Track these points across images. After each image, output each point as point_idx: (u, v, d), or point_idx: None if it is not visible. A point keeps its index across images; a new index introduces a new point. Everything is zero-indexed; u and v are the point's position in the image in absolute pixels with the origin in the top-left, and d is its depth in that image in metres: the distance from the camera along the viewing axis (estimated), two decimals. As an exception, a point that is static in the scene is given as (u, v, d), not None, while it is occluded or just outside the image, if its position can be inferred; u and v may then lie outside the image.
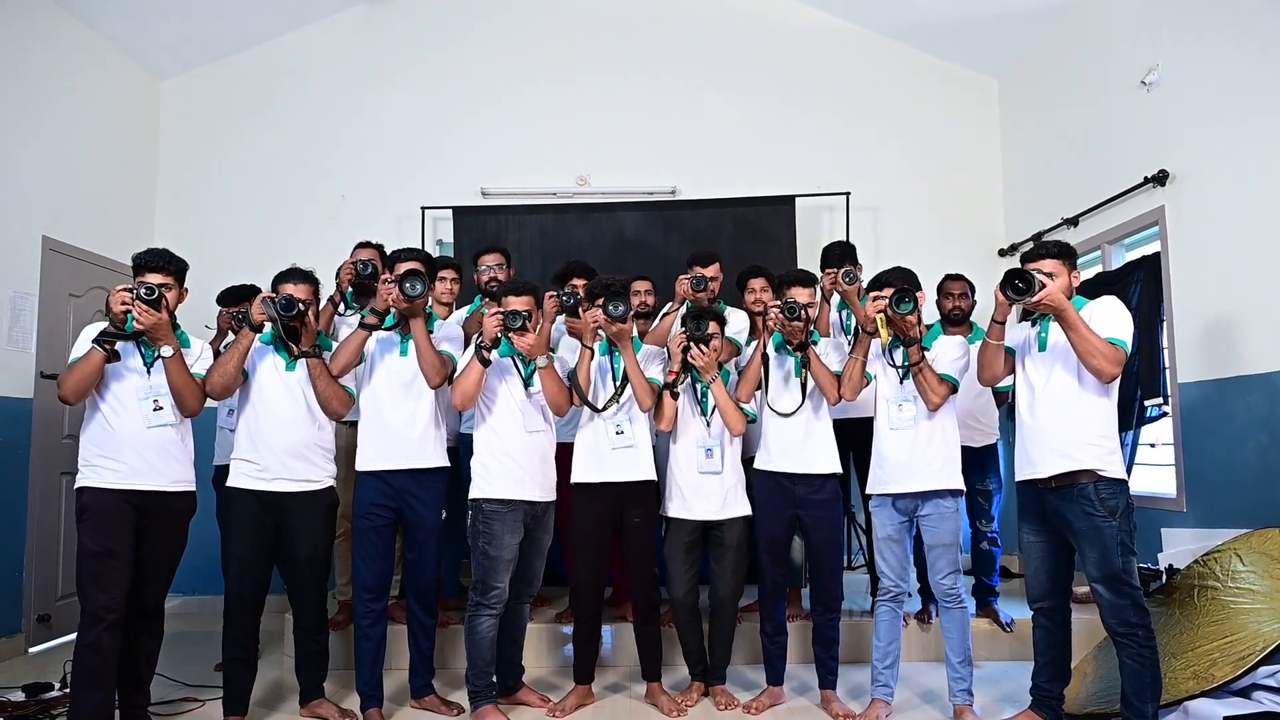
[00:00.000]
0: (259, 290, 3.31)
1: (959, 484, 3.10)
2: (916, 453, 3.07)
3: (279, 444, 3.05)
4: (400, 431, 3.17)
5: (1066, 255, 2.80)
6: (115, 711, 2.89)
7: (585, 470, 3.26)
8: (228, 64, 5.62)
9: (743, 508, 3.28)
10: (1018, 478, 2.90)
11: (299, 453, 3.07)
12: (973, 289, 3.86)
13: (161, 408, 2.88)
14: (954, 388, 3.09)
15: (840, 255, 3.83)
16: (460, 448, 3.62)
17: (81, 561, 2.80)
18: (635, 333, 3.41)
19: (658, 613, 3.36)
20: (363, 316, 3.16)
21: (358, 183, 5.54)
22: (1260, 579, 3.09)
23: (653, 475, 3.28)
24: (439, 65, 5.63)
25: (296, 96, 5.63)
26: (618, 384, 3.25)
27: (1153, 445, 4.31)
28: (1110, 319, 2.70)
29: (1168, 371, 4.08)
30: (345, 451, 3.43)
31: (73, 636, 3.04)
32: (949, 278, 3.87)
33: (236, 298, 3.81)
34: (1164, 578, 3.52)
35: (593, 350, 3.26)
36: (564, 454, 3.31)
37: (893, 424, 3.12)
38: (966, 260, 4.42)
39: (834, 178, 5.31)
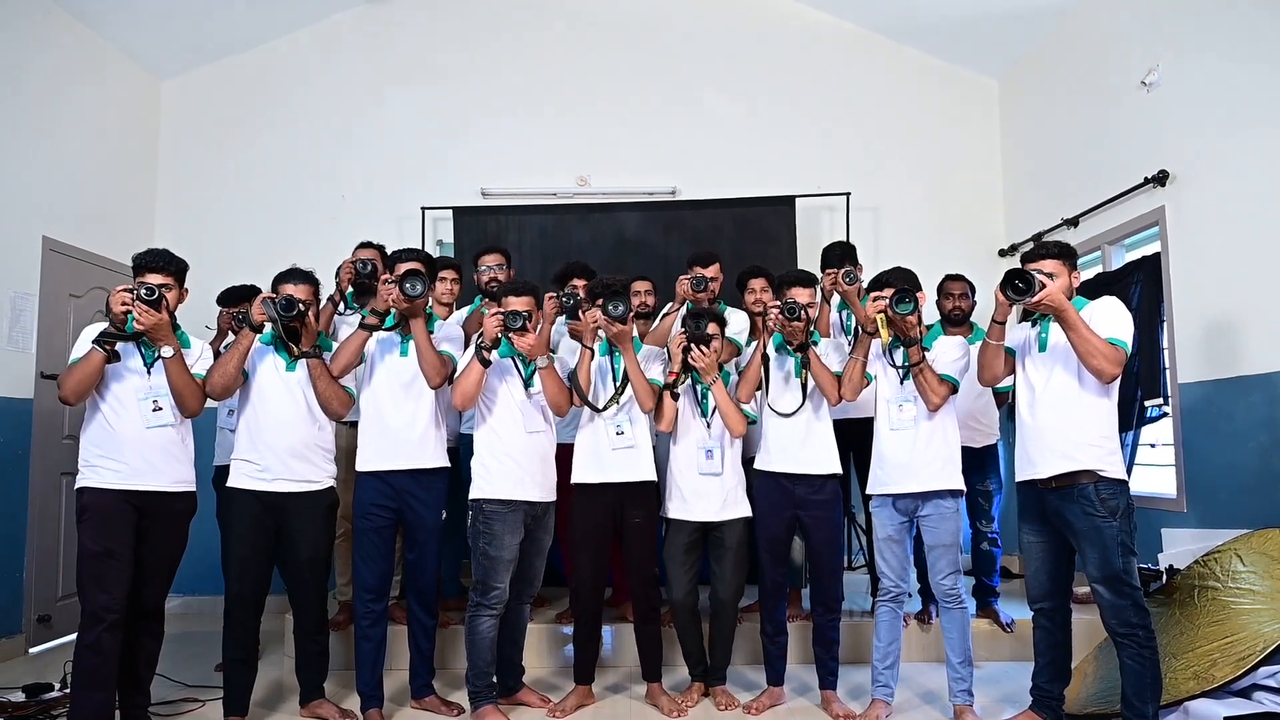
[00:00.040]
0: (259, 290, 3.31)
1: (959, 484, 3.10)
2: (917, 453, 3.07)
3: (279, 444, 3.05)
4: (400, 432, 3.17)
5: (1067, 255, 2.80)
6: (115, 712, 2.89)
7: (585, 471, 3.26)
8: (228, 65, 5.62)
9: (743, 509, 3.28)
10: (1018, 478, 2.90)
11: (299, 453, 3.07)
12: (973, 289, 3.86)
13: (161, 408, 2.88)
14: (954, 388, 3.09)
15: (840, 255, 3.83)
16: (460, 448, 3.62)
17: (82, 562, 2.80)
18: (635, 333, 3.41)
19: (658, 613, 3.36)
20: (363, 317, 3.16)
21: (358, 183, 5.54)
22: (1260, 579, 3.09)
23: (653, 476, 3.28)
24: (439, 66, 5.63)
25: (297, 97, 5.63)
26: (618, 384, 3.25)
27: (1153, 445, 4.31)
28: (1110, 319, 2.70)
29: (1168, 372, 4.07)
30: (345, 452, 3.43)
31: (73, 637, 3.04)
32: (949, 278, 3.87)
33: (236, 298, 3.81)
34: (1164, 578, 3.52)
35: (593, 350, 3.26)
36: (564, 455, 3.31)
37: (893, 424, 3.12)
38: (966, 260, 4.42)
39: (834, 178, 5.31)
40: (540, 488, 3.18)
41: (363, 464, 3.19)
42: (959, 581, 3.10)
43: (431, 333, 3.15)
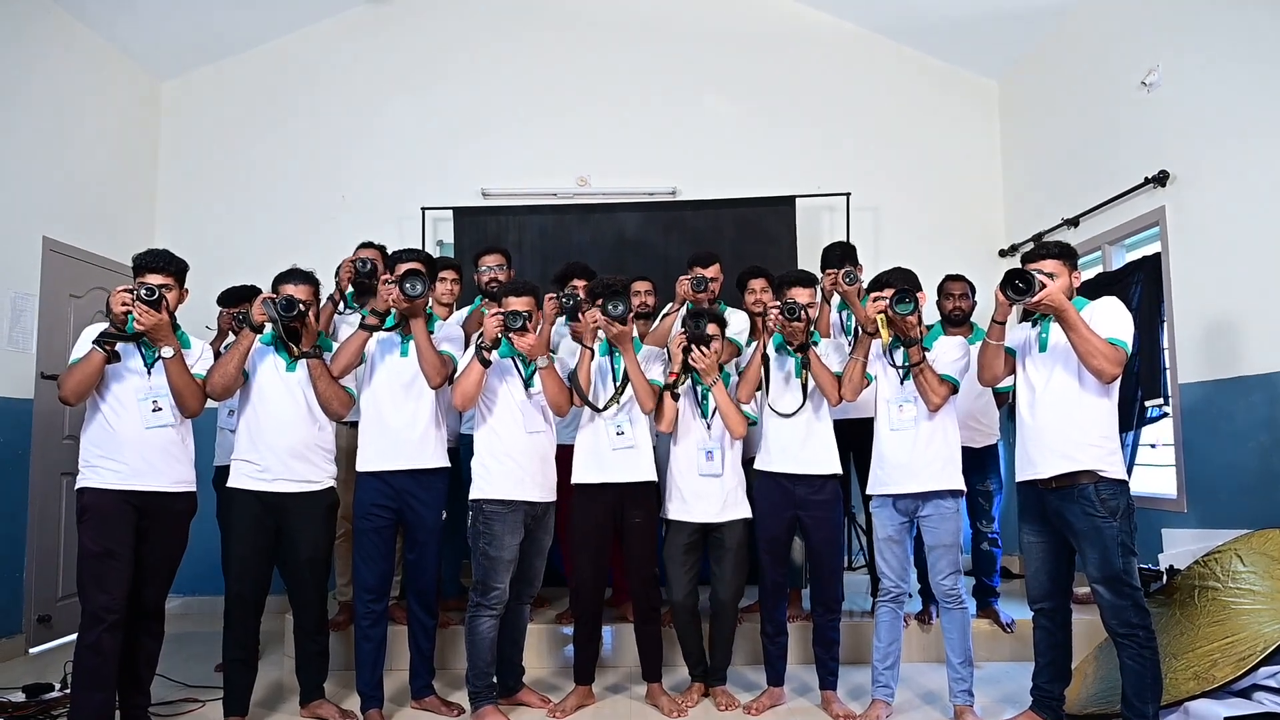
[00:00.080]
0: (259, 291, 3.32)
1: (959, 484, 3.10)
2: (917, 453, 3.07)
3: (279, 444, 3.05)
4: (400, 432, 3.17)
5: (1067, 256, 2.80)
6: (115, 712, 2.89)
7: (586, 471, 3.26)
8: (228, 65, 5.62)
9: (743, 510, 3.28)
10: (1018, 478, 2.90)
11: (299, 453, 3.07)
12: (973, 289, 3.86)
13: (161, 408, 2.88)
14: (954, 388, 3.08)
15: (840, 256, 3.83)
16: (460, 448, 3.61)
17: (82, 562, 2.80)
18: (635, 334, 3.41)
19: (658, 613, 3.35)
20: (363, 317, 3.16)
21: (358, 183, 5.54)
22: (1261, 579, 3.09)
23: (653, 476, 3.28)
24: (439, 66, 5.63)
25: (297, 97, 5.63)
26: (618, 385, 3.25)
27: (1153, 446, 4.31)
28: (1111, 319, 2.70)
29: (1168, 372, 4.07)
30: (346, 452, 3.43)
31: (73, 637, 3.04)
32: (949, 278, 3.86)
33: (237, 298, 3.81)
34: (1164, 578, 3.52)
35: (593, 351, 3.26)
36: (564, 455, 3.31)
37: (893, 424, 3.12)
38: (967, 260, 4.42)
39: (834, 178, 5.32)
40: (540, 488, 3.18)
41: (363, 464, 3.19)
42: (959, 582, 3.10)
43: (432, 333, 3.15)
